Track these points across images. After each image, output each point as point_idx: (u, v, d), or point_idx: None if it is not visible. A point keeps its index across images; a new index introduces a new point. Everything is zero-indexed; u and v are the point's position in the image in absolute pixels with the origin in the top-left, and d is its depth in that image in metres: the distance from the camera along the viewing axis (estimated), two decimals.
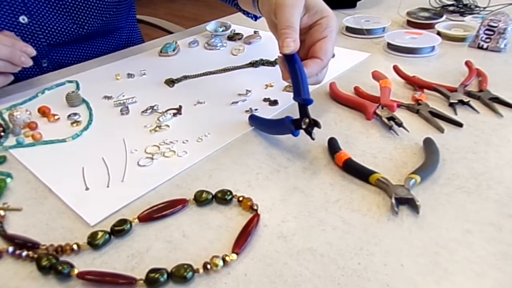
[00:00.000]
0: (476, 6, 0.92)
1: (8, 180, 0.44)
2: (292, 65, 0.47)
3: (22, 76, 0.67)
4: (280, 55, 0.48)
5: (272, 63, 0.70)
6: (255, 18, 0.76)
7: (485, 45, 0.72)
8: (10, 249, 0.35)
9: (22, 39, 0.66)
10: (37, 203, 0.41)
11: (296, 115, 0.54)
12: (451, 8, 0.92)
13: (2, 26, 0.66)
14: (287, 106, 0.57)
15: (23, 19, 0.68)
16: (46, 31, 0.71)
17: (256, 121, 0.51)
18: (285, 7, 0.48)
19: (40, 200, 0.41)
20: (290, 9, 0.48)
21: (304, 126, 0.43)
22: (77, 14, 0.74)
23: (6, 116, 0.55)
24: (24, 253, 0.34)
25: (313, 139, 0.41)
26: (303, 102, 0.43)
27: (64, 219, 0.39)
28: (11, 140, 0.51)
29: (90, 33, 0.78)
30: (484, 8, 0.90)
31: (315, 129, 0.44)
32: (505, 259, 0.33)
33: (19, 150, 0.49)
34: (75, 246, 0.35)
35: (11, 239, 0.36)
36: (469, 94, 0.57)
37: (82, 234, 0.36)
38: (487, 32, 0.72)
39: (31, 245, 0.35)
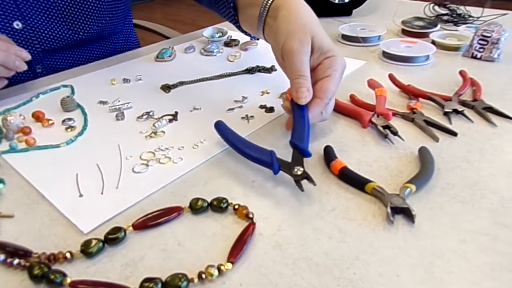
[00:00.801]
0: (470, 16, 0.93)
1: (0, 185, 0.43)
2: (299, 111, 0.47)
3: (16, 81, 0.67)
4: (286, 95, 0.49)
5: (268, 70, 0.70)
6: (258, 38, 0.75)
7: (478, 55, 0.73)
8: (1, 257, 0.34)
9: (16, 45, 0.66)
10: (29, 209, 0.40)
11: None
12: (445, 17, 0.94)
13: None
14: (284, 113, 0.57)
15: (17, 24, 0.67)
16: (41, 37, 0.71)
17: (226, 133, 0.47)
18: (294, 54, 0.48)
19: (32, 207, 0.41)
20: (299, 56, 0.48)
21: (294, 174, 0.41)
22: (73, 20, 0.73)
23: None
24: (16, 261, 0.34)
25: (302, 190, 0.40)
26: (302, 152, 0.42)
27: (57, 226, 0.38)
28: (4, 145, 0.50)
29: (85, 39, 0.77)
30: (478, 18, 0.92)
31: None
32: (500, 269, 0.33)
33: (12, 155, 0.48)
34: (68, 254, 0.34)
35: (2, 247, 0.35)
36: (463, 103, 0.58)
37: (75, 242, 0.36)
38: (480, 42, 0.73)
39: (23, 253, 0.34)
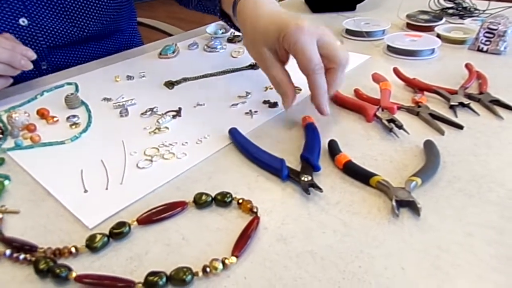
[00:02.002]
0: (476, 9, 0.92)
1: (6, 182, 0.43)
2: (311, 131, 0.48)
3: (21, 78, 0.67)
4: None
5: None
6: None
7: (485, 48, 0.72)
8: (8, 252, 0.34)
9: (22, 41, 0.66)
10: (35, 205, 0.40)
11: (294, 116, 0.54)
12: (450, 11, 0.93)
13: (2, 28, 0.66)
14: None
15: (23, 21, 0.68)
16: (46, 34, 0.71)
17: (239, 139, 0.48)
18: (260, 63, 0.52)
19: (38, 203, 0.41)
20: (263, 63, 0.51)
21: (302, 181, 0.41)
22: (77, 17, 0.73)
23: (4, 118, 0.55)
24: (22, 256, 0.34)
25: (308, 193, 0.40)
26: (312, 165, 0.43)
27: (62, 222, 0.38)
28: (9, 142, 0.51)
29: (90, 36, 0.77)
30: (484, 11, 0.90)
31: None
32: (507, 262, 0.33)
33: (18, 152, 0.49)
34: (73, 249, 0.34)
35: (8, 242, 0.35)
36: (469, 96, 0.57)
37: (81, 237, 0.36)
38: (487, 34, 0.72)
39: (29, 248, 0.35)
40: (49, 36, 0.72)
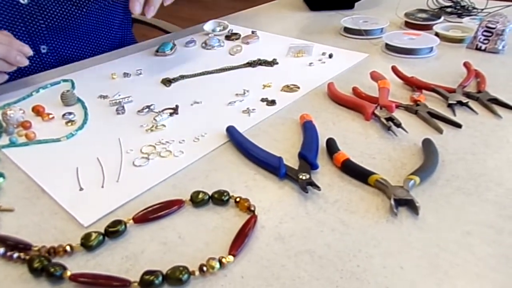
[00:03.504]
0: (474, 8, 0.92)
1: (1, 180, 0.43)
2: (310, 129, 0.49)
3: (21, 67, 0.67)
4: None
5: (270, 63, 0.70)
6: None
7: (483, 47, 0.72)
8: (1, 250, 0.34)
9: (21, 20, 0.66)
10: (29, 203, 0.40)
11: (292, 114, 0.54)
12: (449, 9, 0.92)
13: (1, 6, 0.66)
14: (285, 106, 0.56)
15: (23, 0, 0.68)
16: (45, 13, 0.71)
17: (236, 137, 0.48)
18: None
19: (33, 201, 0.40)
20: None
21: (300, 179, 0.41)
22: None
23: None
24: (16, 255, 0.33)
25: (306, 192, 0.39)
26: (310, 164, 0.43)
27: (57, 220, 0.38)
28: (4, 139, 0.50)
29: (88, 18, 0.77)
30: (482, 9, 0.90)
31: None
32: (505, 261, 0.32)
33: (12, 150, 0.48)
34: (68, 248, 0.34)
35: (2, 240, 0.35)
36: (467, 95, 0.57)
37: (76, 235, 0.35)
38: (485, 33, 0.72)
39: (23, 247, 0.34)
40: (48, 15, 0.71)
